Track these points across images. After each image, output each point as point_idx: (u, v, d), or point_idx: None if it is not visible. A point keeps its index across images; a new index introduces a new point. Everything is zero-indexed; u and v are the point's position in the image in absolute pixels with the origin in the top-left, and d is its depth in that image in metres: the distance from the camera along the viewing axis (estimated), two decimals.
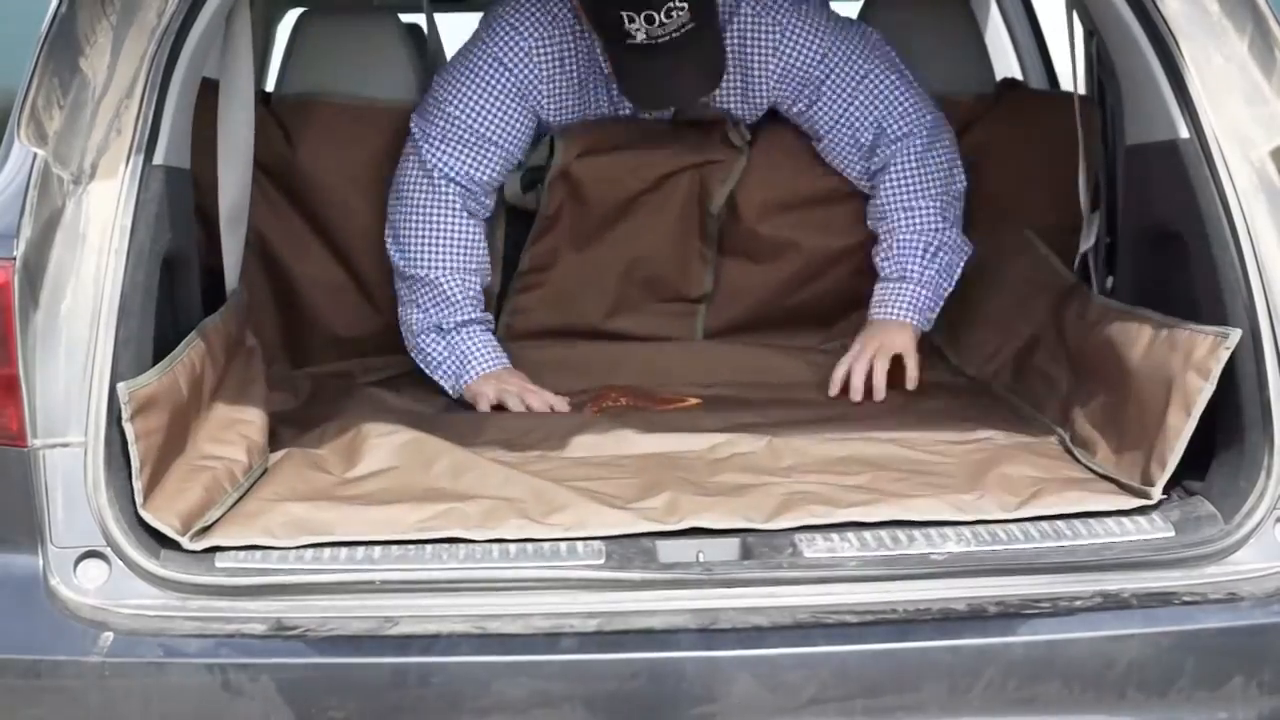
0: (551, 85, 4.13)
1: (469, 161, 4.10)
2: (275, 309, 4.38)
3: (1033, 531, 2.95)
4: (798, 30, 4.11)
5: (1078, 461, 3.33)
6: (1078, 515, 2.99)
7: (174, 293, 3.26)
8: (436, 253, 4.10)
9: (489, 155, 4.12)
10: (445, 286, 4.08)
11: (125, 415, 2.87)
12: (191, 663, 2.73)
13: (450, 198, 4.09)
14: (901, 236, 4.16)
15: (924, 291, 4.14)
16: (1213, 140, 3.05)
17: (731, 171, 4.30)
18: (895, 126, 4.15)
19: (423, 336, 4.10)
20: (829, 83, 4.15)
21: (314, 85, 4.38)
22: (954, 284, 4.17)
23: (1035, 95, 5.10)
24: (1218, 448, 3.04)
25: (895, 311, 4.14)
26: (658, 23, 3.81)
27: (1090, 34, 3.65)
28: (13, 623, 2.81)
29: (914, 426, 3.59)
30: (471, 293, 4.11)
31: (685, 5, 3.81)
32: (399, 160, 4.17)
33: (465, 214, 4.11)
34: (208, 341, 3.30)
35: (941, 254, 4.16)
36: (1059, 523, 2.97)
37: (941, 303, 4.18)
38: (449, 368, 4.07)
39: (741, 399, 3.98)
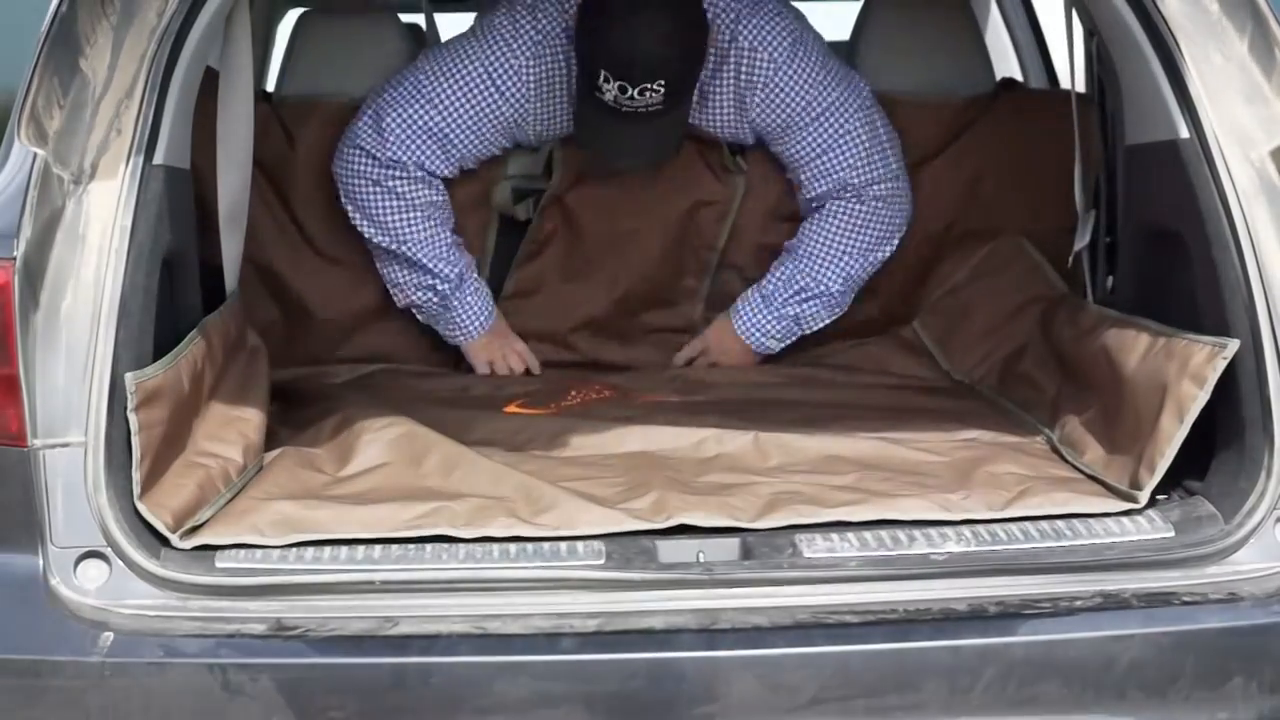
0: (539, 104, 4.15)
1: (429, 156, 4.15)
2: (272, 308, 4.37)
3: (1033, 531, 2.94)
4: (792, 71, 4.14)
5: (1065, 461, 3.34)
6: (1074, 516, 2.99)
7: (174, 293, 3.26)
8: (412, 226, 4.17)
9: (450, 156, 4.18)
10: (430, 252, 4.18)
11: (130, 405, 2.88)
12: (192, 663, 2.73)
13: (414, 177, 4.15)
14: (795, 265, 4.27)
15: (775, 324, 4.29)
16: (1213, 140, 3.05)
17: (730, 208, 4.34)
18: (852, 184, 4.21)
19: (417, 294, 4.26)
20: (808, 129, 4.19)
21: (315, 86, 4.38)
22: (809, 331, 4.31)
23: (1033, 95, 5.09)
24: (1217, 447, 3.04)
25: (741, 325, 4.31)
26: (629, 94, 3.86)
27: (1090, 34, 3.65)
28: (13, 623, 2.81)
29: (901, 426, 3.60)
30: (452, 249, 4.22)
31: (661, 91, 3.87)
32: (348, 129, 4.20)
33: (428, 187, 4.18)
34: (208, 340, 3.31)
35: (813, 303, 4.27)
36: (1059, 523, 2.97)
37: (789, 341, 4.32)
38: (447, 326, 4.29)
39: (725, 399, 4.00)
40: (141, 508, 2.88)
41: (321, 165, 4.30)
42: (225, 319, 3.52)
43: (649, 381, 4.18)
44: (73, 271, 2.91)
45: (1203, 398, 2.96)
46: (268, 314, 4.35)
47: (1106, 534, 2.94)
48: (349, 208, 4.19)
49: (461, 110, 4.11)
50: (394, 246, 4.18)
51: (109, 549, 2.81)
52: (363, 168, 4.13)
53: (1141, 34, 3.15)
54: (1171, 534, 2.93)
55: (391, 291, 4.29)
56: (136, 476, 2.88)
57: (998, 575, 2.83)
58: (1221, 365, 2.95)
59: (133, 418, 2.88)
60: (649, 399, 3.96)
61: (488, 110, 4.12)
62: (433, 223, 4.19)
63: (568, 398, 3.99)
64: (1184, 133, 3.10)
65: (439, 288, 4.21)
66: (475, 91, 4.10)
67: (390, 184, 4.13)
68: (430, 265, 4.18)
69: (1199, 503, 3.01)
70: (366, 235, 4.20)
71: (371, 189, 4.14)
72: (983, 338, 4.25)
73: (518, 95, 4.12)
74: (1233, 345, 2.95)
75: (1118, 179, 3.59)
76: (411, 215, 4.16)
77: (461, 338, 4.31)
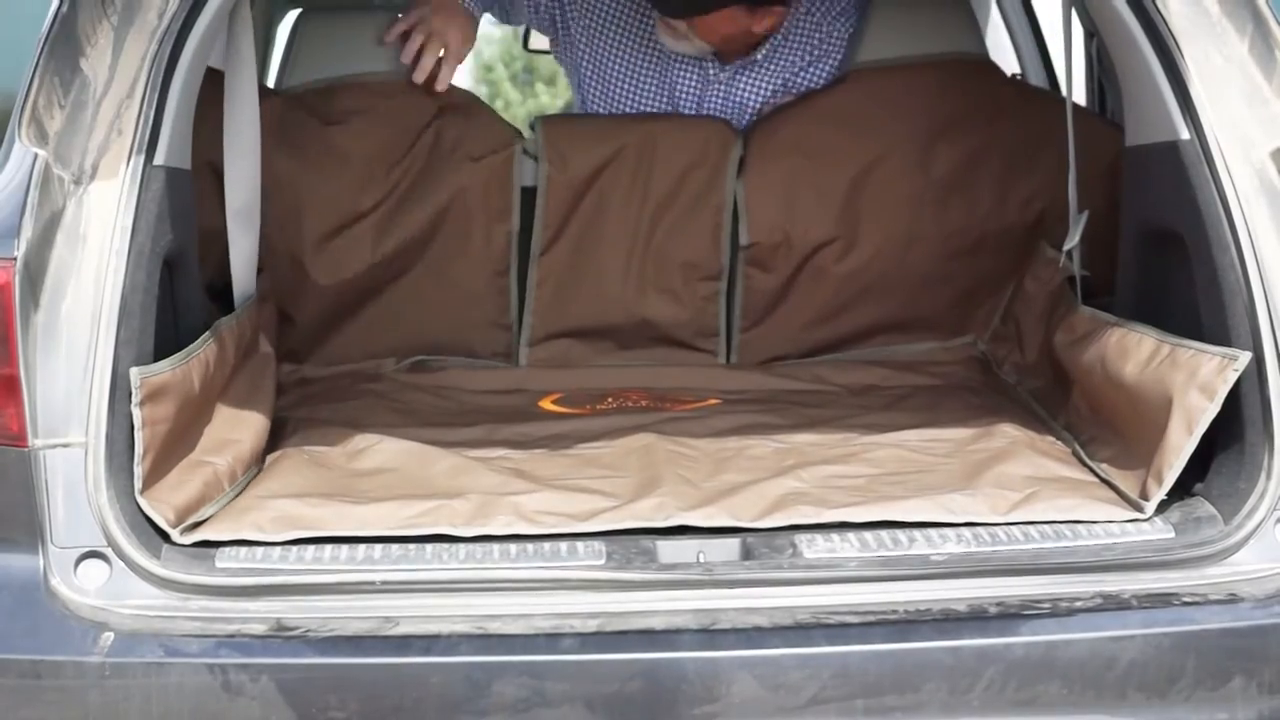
0: None
1: None
2: (309, 303, 4.29)
3: (1033, 533, 2.94)
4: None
5: (1082, 464, 3.33)
6: (1076, 522, 2.99)
7: (175, 292, 3.26)
8: None
9: None
10: None
11: (135, 400, 2.88)
12: (192, 663, 2.72)
13: None
14: None
15: None
16: (1213, 141, 3.06)
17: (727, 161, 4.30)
18: None
19: None
20: None
21: (323, 74, 4.33)
22: None
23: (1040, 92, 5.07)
24: (1217, 449, 3.04)
25: None
26: None
27: (1090, 35, 3.65)
28: (13, 623, 2.80)
29: (930, 425, 3.61)
30: None
31: None
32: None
33: None
34: (221, 342, 3.31)
35: None
36: (1060, 525, 2.97)
37: None
38: None
39: (762, 400, 3.99)
40: (143, 502, 2.88)
41: (359, 141, 4.24)
42: (241, 322, 3.53)
43: (691, 382, 4.17)
44: (73, 271, 2.91)
45: (1213, 410, 2.95)
46: (300, 309, 4.27)
47: (1106, 535, 2.94)
48: None
49: None
50: None
51: (109, 549, 2.81)
52: None
53: (1142, 35, 3.15)
54: (1171, 535, 2.93)
55: None
56: (138, 471, 2.88)
57: (997, 576, 2.83)
58: (1233, 377, 2.94)
59: (136, 412, 2.89)
60: (685, 408, 3.96)
61: None
62: None
63: (604, 402, 4.01)
64: (1184, 134, 3.10)
65: None
66: None
67: None
68: None
69: (1199, 503, 3.01)
70: None
71: None
72: (1013, 330, 4.24)
73: None
74: (1244, 358, 2.94)
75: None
76: None
77: None
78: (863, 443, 3.51)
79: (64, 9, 2.97)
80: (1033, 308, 4.11)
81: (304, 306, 4.24)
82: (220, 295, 3.71)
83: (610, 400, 4.02)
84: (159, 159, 3.05)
